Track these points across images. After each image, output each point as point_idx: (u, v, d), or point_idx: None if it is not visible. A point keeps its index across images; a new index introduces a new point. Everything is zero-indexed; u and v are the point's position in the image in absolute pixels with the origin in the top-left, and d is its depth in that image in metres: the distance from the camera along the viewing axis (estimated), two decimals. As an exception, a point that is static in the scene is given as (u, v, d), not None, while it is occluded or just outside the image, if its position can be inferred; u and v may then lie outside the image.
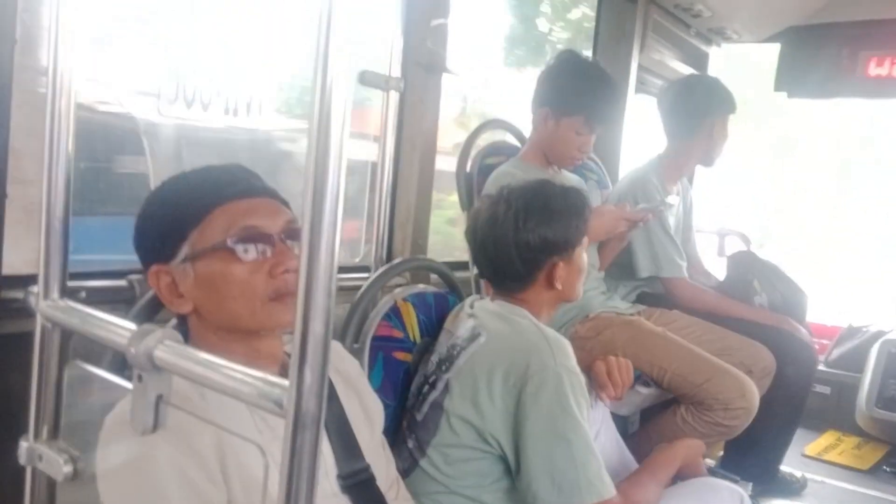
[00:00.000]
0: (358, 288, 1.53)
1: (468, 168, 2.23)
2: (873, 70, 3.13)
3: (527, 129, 2.22)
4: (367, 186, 2.04)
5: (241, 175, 1.02)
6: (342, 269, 1.73)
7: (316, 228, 0.63)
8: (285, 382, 0.68)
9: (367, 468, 1.09)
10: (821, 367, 3.24)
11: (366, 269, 1.89)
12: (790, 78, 3.55)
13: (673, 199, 2.18)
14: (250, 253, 0.96)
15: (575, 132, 2.03)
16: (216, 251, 0.96)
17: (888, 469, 2.88)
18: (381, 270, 1.59)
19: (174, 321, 1.03)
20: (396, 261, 1.70)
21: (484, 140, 2.32)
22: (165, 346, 0.72)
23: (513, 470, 1.36)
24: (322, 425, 0.68)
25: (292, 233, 1.00)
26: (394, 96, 1.88)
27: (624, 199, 2.36)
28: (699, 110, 2.39)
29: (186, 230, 0.98)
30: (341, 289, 1.65)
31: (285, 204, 1.05)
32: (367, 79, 1.78)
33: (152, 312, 1.12)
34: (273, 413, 0.74)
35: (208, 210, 0.98)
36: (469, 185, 2.21)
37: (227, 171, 1.03)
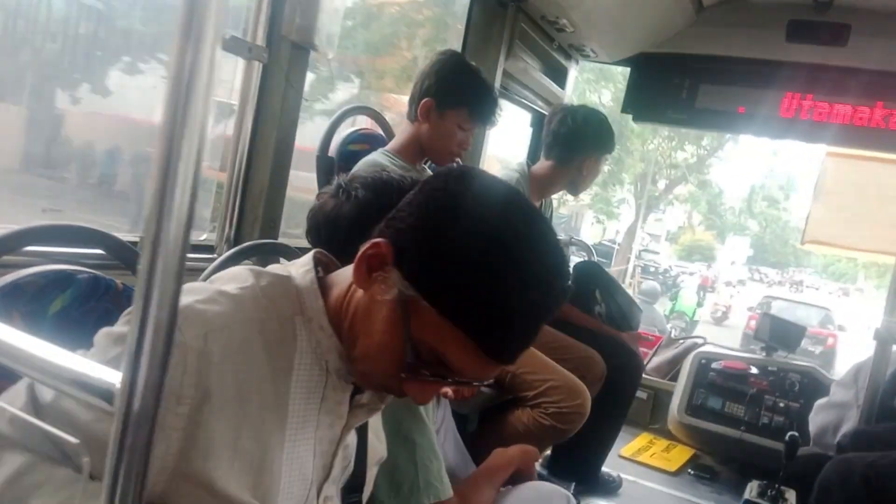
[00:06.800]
0: (199, 270, 1.40)
1: (330, 152, 2.15)
2: (707, 103, 3.38)
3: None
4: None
5: None
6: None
7: (167, 202, 0.55)
8: (118, 374, 0.59)
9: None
10: (640, 374, 3.48)
11: (210, 248, 1.75)
12: (636, 102, 3.77)
13: None
14: None
15: (458, 126, 2.06)
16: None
17: (692, 472, 3.15)
18: (228, 254, 1.47)
19: None
20: (247, 244, 1.58)
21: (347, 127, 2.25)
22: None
23: None
24: (154, 424, 0.59)
25: None
26: (256, 68, 1.75)
27: None
28: (579, 143, 2.47)
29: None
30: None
31: None
32: (230, 45, 1.65)
33: None
34: (103, 409, 0.65)
35: None
36: (329, 170, 2.12)
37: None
